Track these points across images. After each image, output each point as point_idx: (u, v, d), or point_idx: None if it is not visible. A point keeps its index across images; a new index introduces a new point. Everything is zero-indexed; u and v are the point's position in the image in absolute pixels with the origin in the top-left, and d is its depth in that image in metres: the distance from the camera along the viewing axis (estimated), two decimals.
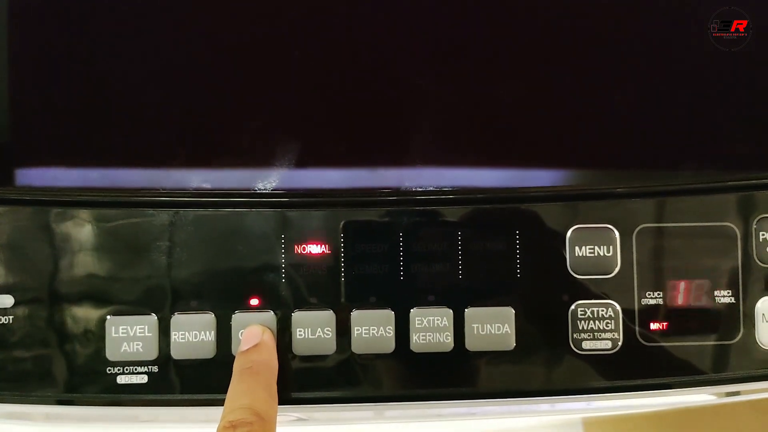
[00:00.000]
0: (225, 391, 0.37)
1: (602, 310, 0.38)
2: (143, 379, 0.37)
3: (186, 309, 0.37)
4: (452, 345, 0.38)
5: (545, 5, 0.39)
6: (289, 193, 0.38)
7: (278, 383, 0.37)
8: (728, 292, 0.38)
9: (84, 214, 0.37)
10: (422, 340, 0.38)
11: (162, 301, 0.37)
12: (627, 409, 0.38)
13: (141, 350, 0.37)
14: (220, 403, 0.37)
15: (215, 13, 0.38)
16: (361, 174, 0.38)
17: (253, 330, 0.37)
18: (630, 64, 0.39)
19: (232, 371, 0.36)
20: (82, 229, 0.37)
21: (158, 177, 0.38)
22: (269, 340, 0.37)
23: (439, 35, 0.39)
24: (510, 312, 0.38)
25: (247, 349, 0.36)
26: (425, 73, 0.38)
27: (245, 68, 0.38)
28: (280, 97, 0.38)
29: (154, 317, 0.37)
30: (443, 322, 0.38)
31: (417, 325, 0.38)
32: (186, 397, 0.37)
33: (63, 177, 0.38)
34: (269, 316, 0.37)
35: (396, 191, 0.38)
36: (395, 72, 0.38)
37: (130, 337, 0.37)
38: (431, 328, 0.38)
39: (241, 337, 0.37)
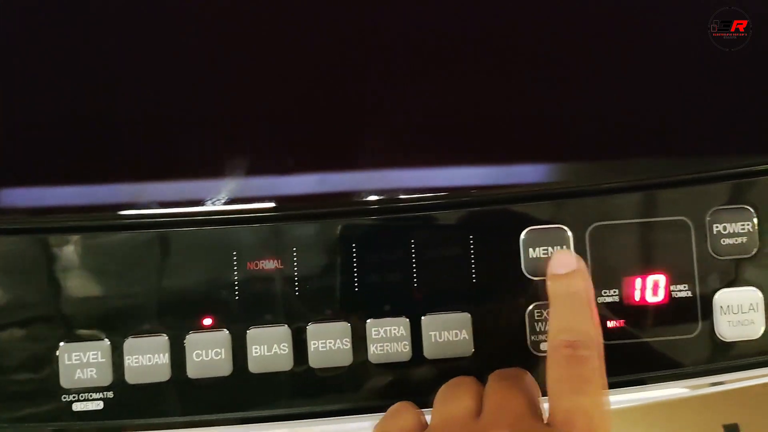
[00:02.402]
0: (181, 414, 0.37)
1: None
2: (99, 405, 0.37)
3: (139, 332, 0.37)
4: (410, 354, 0.38)
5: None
6: (238, 209, 0.37)
7: (233, 400, 0.36)
8: (684, 286, 0.38)
9: (29, 239, 0.37)
10: (380, 350, 0.38)
11: (114, 325, 0.37)
12: None
13: (95, 376, 0.37)
14: (177, 426, 0.37)
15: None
16: (309, 185, 0.38)
17: (567, 255, 0.37)
18: (588, 59, 0.39)
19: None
20: (28, 255, 0.37)
21: (106, 197, 0.37)
22: (585, 268, 0.36)
23: (393, 30, 0.38)
24: (467, 318, 0.38)
25: (567, 274, 0.36)
26: (368, 73, 0.38)
27: (186, 82, 0.38)
28: (222, 110, 0.38)
29: (106, 342, 0.37)
30: (400, 332, 0.38)
31: (374, 336, 0.38)
32: (143, 421, 0.37)
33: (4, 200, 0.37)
34: (224, 335, 0.37)
35: (345, 201, 0.38)
36: (337, 79, 0.38)
37: (83, 363, 0.37)
38: (388, 338, 0.38)
39: (551, 260, 0.37)
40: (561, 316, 0.35)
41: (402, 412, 0.35)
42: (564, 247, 0.38)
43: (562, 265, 0.36)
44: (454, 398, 0.35)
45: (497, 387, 0.35)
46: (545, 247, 0.38)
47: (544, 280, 0.38)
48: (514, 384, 0.35)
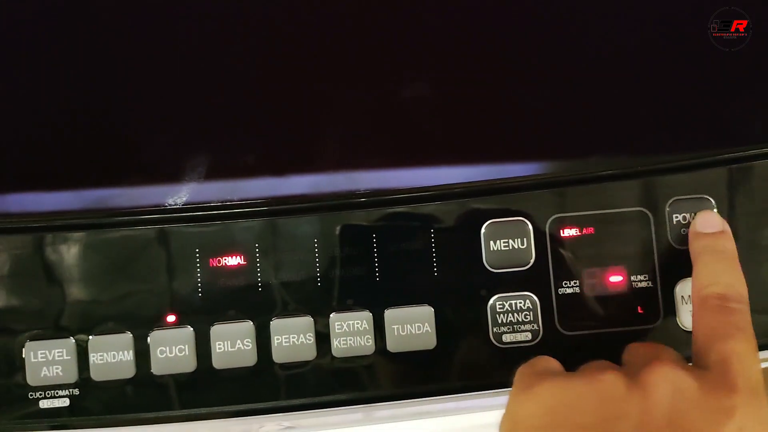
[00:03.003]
0: (146, 410, 0.37)
1: (520, 303, 0.38)
2: (65, 402, 0.37)
3: (103, 330, 0.37)
4: (374, 348, 0.38)
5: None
6: (201, 207, 0.38)
7: (197, 396, 0.37)
8: (645, 277, 0.38)
9: None
10: (343, 344, 0.38)
11: (79, 323, 0.37)
12: None
13: (61, 374, 0.37)
14: (142, 422, 0.38)
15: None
16: (271, 182, 0.38)
17: (712, 215, 0.38)
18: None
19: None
20: None
21: (68, 199, 0.38)
22: (730, 230, 0.37)
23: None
24: (429, 311, 0.38)
25: (714, 233, 0.37)
26: (319, 71, 0.38)
27: (148, 81, 0.38)
28: (182, 111, 0.38)
29: (72, 340, 0.37)
30: (363, 326, 0.38)
31: (337, 330, 0.38)
32: (109, 417, 0.37)
33: None
34: (188, 331, 0.37)
35: (307, 198, 0.38)
36: (291, 78, 0.38)
37: (49, 361, 0.37)
38: (351, 332, 0.38)
39: (696, 218, 0.38)
40: (708, 271, 0.35)
41: (545, 357, 0.36)
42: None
43: (707, 225, 0.37)
44: (597, 361, 0.35)
45: (639, 344, 0.36)
46: (506, 240, 0.38)
47: (505, 272, 0.38)
48: (656, 343, 0.36)
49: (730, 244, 0.37)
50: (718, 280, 0.35)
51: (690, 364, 0.33)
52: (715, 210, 0.38)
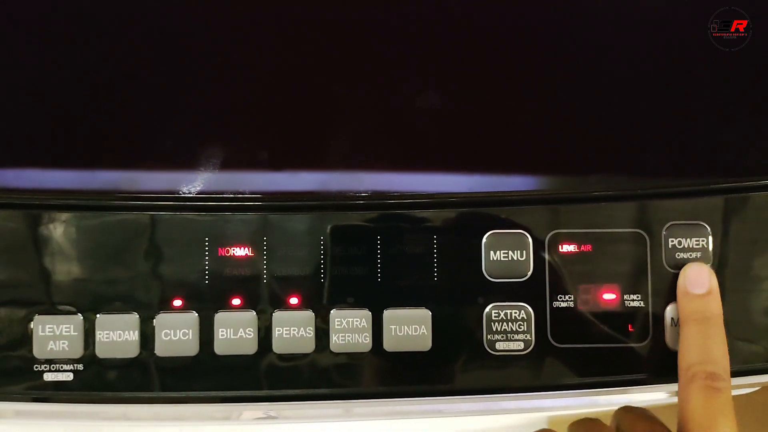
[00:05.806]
0: (148, 389, 0.39)
1: (515, 313, 0.39)
2: (69, 376, 0.38)
3: (111, 309, 0.38)
4: (370, 345, 0.39)
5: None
6: (213, 196, 0.39)
7: (197, 380, 0.38)
8: (637, 297, 0.40)
9: (10, 214, 0.38)
10: (341, 340, 0.39)
11: (88, 302, 0.38)
12: (540, 411, 0.40)
13: (67, 349, 0.38)
14: (144, 401, 0.39)
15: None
16: (283, 178, 0.39)
17: (703, 271, 0.38)
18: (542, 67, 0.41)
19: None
20: (6, 231, 0.38)
21: (83, 180, 0.39)
22: (717, 286, 0.38)
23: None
24: (427, 314, 0.39)
25: (703, 295, 0.37)
26: (340, 73, 0.40)
27: (168, 69, 0.39)
28: (202, 99, 0.39)
29: (79, 317, 0.38)
30: (362, 323, 0.39)
31: (336, 326, 0.39)
32: (110, 394, 0.38)
33: None
34: (192, 316, 0.39)
35: (317, 196, 0.40)
36: (312, 80, 0.40)
37: (56, 335, 0.38)
38: (350, 328, 0.39)
39: (685, 273, 0.38)
40: (698, 344, 0.37)
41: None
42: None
43: (697, 284, 0.38)
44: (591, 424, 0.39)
45: (634, 417, 0.39)
46: (506, 251, 0.40)
47: (503, 282, 0.40)
48: (645, 413, 0.39)
49: (717, 307, 0.38)
50: (708, 356, 0.36)
51: None
52: (711, 258, 0.40)
